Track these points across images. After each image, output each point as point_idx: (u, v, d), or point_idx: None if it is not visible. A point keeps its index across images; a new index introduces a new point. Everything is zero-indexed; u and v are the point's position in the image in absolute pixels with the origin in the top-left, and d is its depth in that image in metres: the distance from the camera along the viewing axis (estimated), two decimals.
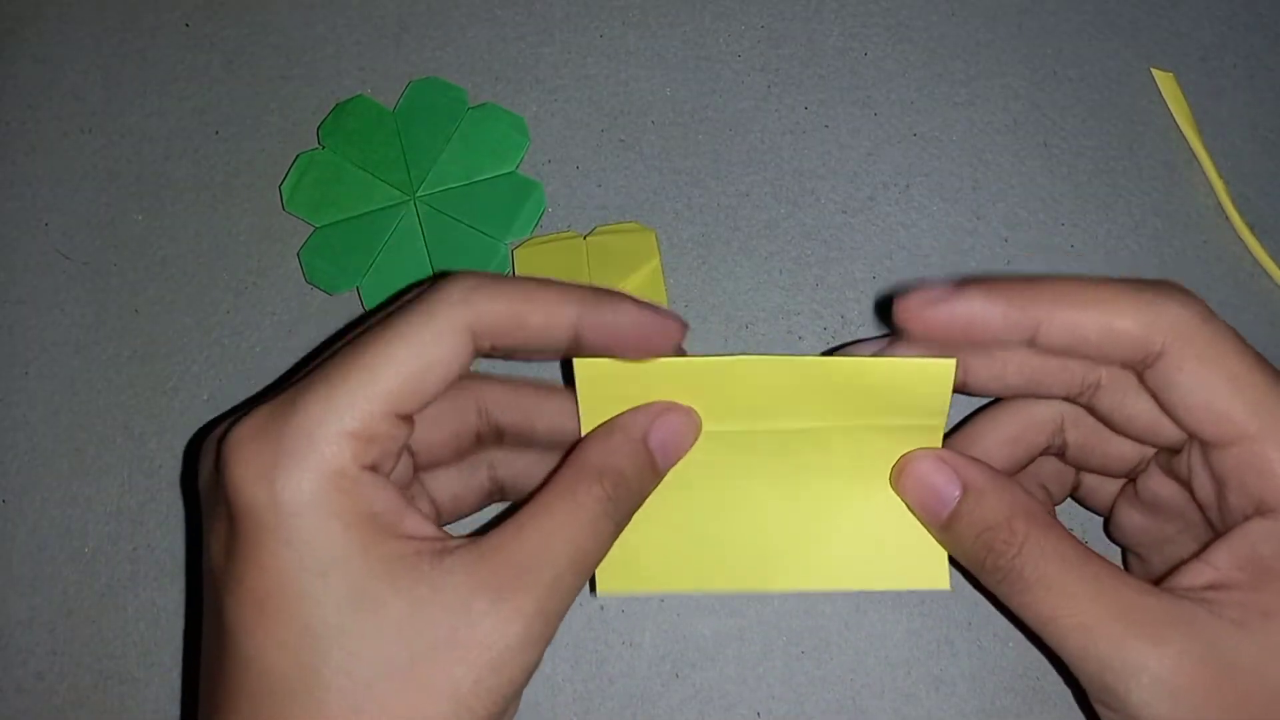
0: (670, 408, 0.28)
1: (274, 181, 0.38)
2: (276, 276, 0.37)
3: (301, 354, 0.37)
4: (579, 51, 0.39)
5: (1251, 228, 0.36)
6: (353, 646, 0.23)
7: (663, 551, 0.29)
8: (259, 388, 0.36)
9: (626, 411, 0.28)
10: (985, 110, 0.38)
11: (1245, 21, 0.39)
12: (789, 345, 0.36)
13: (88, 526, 0.36)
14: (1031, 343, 0.26)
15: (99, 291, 0.38)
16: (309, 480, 0.23)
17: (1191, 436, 0.26)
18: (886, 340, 0.28)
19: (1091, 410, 0.28)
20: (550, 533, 0.24)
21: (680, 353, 0.28)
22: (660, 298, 0.36)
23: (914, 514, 0.28)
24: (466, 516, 0.31)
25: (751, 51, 0.39)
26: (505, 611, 0.23)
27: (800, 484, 0.29)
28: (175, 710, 0.34)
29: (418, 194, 0.38)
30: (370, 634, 0.23)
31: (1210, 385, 0.25)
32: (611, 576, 0.29)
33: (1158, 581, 0.26)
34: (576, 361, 0.27)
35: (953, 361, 0.26)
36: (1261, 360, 0.25)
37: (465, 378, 0.29)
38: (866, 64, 0.39)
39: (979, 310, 0.26)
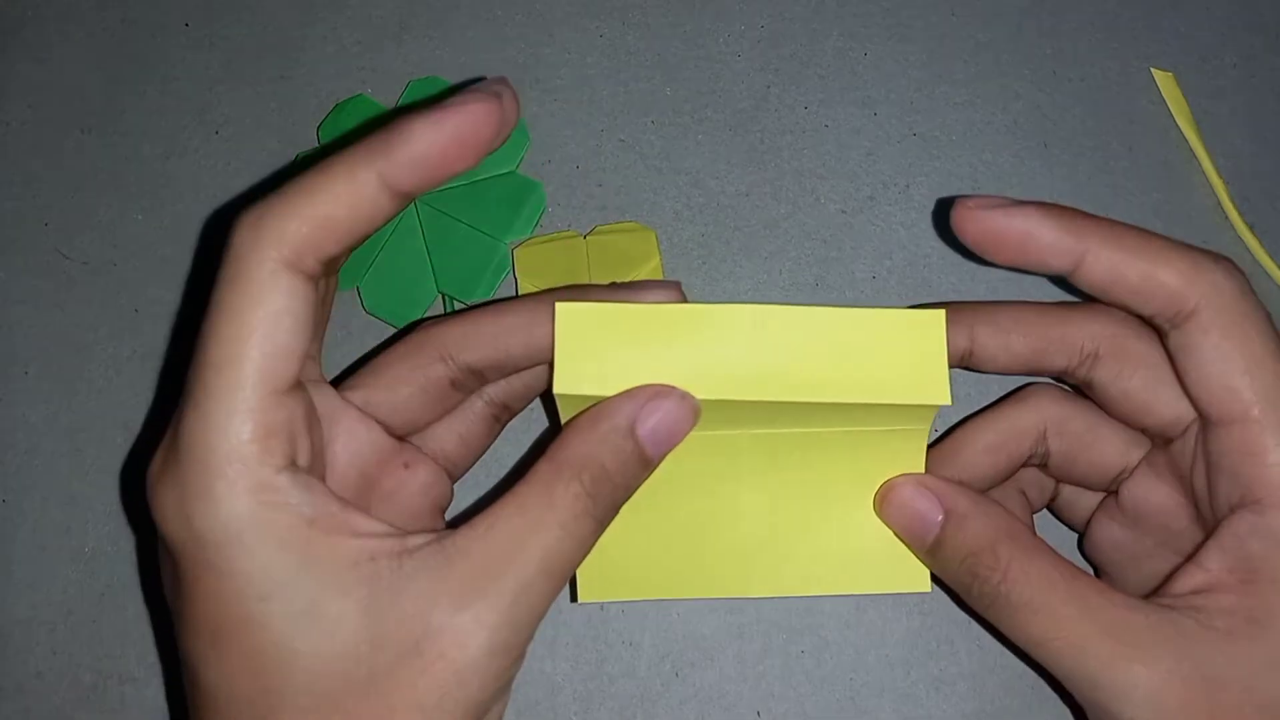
0: (661, 391, 0.25)
1: (274, 181, 0.38)
2: None
3: None
4: (579, 51, 0.39)
5: (1252, 228, 0.36)
6: (310, 665, 0.22)
7: (645, 557, 0.28)
8: None
9: (612, 398, 0.25)
10: (985, 110, 0.38)
11: (1245, 21, 0.39)
12: None
13: (88, 526, 0.36)
14: (1072, 273, 0.26)
15: (99, 291, 0.38)
16: (223, 510, 0.22)
17: (1196, 408, 0.26)
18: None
19: (1087, 386, 0.28)
20: (521, 535, 0.23)
21: (681, 298, 0.27)
22: None
23: (899, 539, 0.28)
24: (485, 450, 0.31)
25: (751, 51, 0.39)
26: (466, 621, 0.22)
27: (782, 489, 0.29)
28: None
29: None
30: (327, 650, 0.22)
31: (1229, 358, 0.24)
32: (592, 584, 0.28)
33: (1149, 594, 0.25)
34: (558, 305, 0.25)
35: (941, 313, 0.26)
36: (1272, 332, 0.25)
37: (419, 328, 0.27)
38: (866, 64, 0.39)
39: (1035, 225, 0.25)
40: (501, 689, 0.23)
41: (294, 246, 0.22)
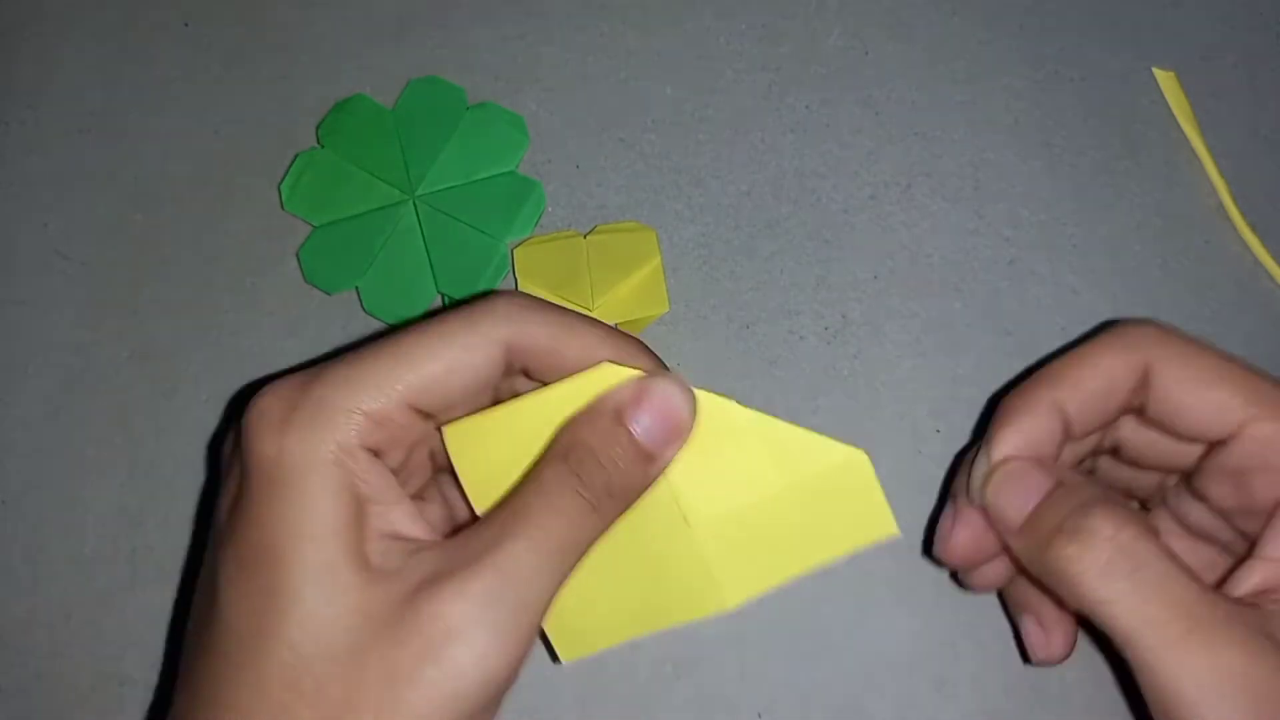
0: (654, 378, 0.25)
1: (273, 181, 0.38)
2: (275, 276, 0.37)
3: (301, 354, 0.37)
4: (579, 51, 0.39)
5: (1253, 227, 0.36)
6: (304, 620, 0.22)
7: (613, 602, 0.27)
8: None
9: (608, 390, 0.25)
10: (987, 109, 0.38)
11: (1246, 21, 0.39)
12: (790, 345, 0.36)
13: (87, 527, 0.35)
14: (1067, 438, 0.27)
15: (99, 291, 0.38)
16: (312, 442, 0.23)
17: (1203, 441, 0.26)
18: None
19: (1139, 415, 0.28)
20: (511, 517, 0.23)
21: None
22: (661, 297, 0.36)
23: (992, 520, 0.27)
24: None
25: (752, 50, 0.39)
26: (446, 594, 0.22)
27: (718, 490, 0.27)
28: None
29: (417, 193, 0.38)
30: (325, 612, 0.22)
31: (1202, 381, 0.25)
32: (567, 644, 0.27)
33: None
34: (445, 430, 0.26)
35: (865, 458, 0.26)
36: (1228, 354, 0.26)
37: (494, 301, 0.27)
38: (868, 63, 0.39)
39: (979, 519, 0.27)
40: (487, 685, 0.22)
41: (525, 347, 0.25)
